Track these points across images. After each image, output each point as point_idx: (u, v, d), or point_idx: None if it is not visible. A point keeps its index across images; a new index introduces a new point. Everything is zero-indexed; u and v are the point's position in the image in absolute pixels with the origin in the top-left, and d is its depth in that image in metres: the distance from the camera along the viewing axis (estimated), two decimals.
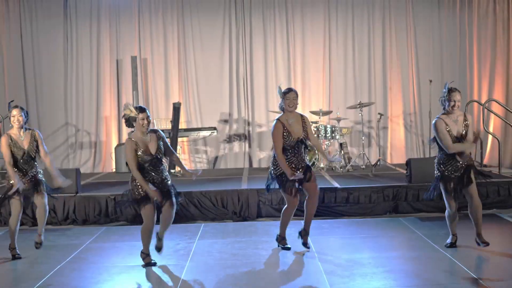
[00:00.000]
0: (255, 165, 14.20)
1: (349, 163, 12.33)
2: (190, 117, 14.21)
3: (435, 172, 7.31)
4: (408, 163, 10.39)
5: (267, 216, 9.95)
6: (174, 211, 7.20)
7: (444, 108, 7.13)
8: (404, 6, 14.29)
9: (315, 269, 6.81)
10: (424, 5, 14.33)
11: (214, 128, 12.97)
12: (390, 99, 14.34)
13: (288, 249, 7.66)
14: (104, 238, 8.70)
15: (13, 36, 14.11)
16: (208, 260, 7.36)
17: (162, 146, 7.02)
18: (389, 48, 14.29)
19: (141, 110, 6.91)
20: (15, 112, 7.42)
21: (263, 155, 14.19)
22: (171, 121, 12.17)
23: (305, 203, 7.56)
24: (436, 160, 7.33)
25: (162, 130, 11.94)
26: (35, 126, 10.97)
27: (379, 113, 13.07)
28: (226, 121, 14.21)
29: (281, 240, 7.78)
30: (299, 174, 7.22)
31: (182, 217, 9.73)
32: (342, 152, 12.42)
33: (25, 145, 7.45)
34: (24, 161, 7.45)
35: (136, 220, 9.56)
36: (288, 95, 7.33)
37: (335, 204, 9.96)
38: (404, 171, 10.72)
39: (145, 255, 7.16)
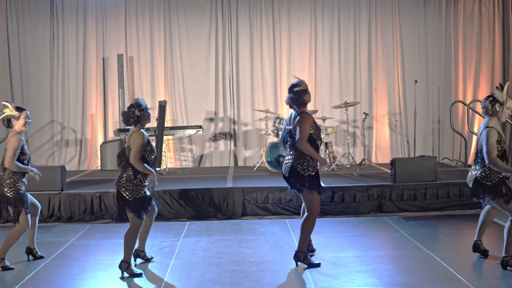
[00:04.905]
0: (240, 163, 14.21)
1: (334, 162, 12.36)
2: (175, 116, 14.20)
3: (487, 183, 6.44)
4: (393, 162, 10.43)
5: (252, 214, 9.97)
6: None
7: (489, 114, 6.82)
8: (390, 7, 14.33)
9: (300, 267, 6.85)
10: (410, 6, 14.38)
11: (200, 127, 12.96)
12: (376, 99, 14.39)
13: (318, 265, 6.87)
14: (89, 236, 8.69)
15: None
16: (192, 258, 7.37)
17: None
18: (374, 49, 14.34)
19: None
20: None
21: (248, 154, 14.20)
22: (156, 119, 12.15)
23: None
24: (482, 172, 6.51)
25: (148, 129, 12.08)
26: None
27: (364, 113, 13.11)
28: (211, 120, 14.22)
29: (305, 257, 6.85)
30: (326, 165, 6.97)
31: (168, 215, 9.77)
32: (328, 152, 12.45)
33: None
34: None
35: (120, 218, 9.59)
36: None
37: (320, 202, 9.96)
38: (389, 171, 10.76)
39: (127, 264, 6.62)
